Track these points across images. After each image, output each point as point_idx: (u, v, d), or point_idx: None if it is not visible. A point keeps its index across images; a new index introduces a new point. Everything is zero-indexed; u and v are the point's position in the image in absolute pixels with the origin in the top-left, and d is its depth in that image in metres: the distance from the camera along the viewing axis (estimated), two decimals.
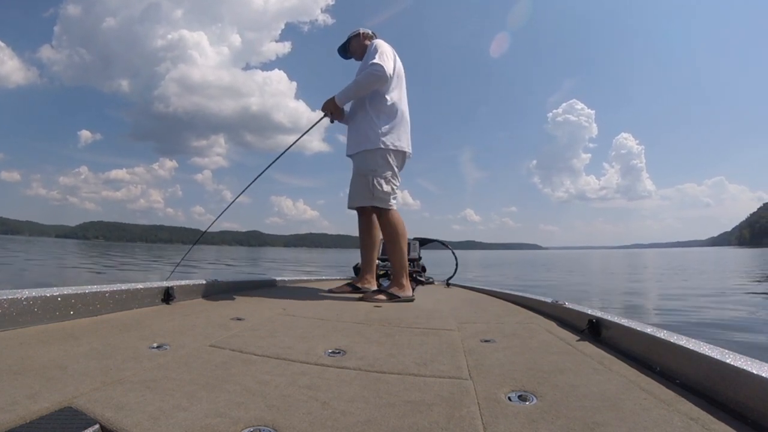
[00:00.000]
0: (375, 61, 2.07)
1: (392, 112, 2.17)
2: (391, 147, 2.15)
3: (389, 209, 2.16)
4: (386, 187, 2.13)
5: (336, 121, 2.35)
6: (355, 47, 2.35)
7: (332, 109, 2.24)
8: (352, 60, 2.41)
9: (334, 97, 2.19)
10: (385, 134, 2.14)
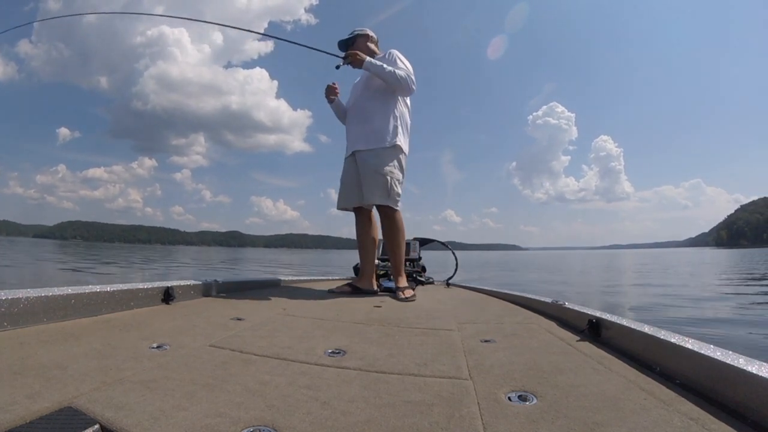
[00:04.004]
0: (413, 84, 2.21)
1: (407, 117, 2.33)
2: (406, 150, 2.29)
3: (397, 210, 2.26)
4: (398, 189, 2.23)
5: (343, 66, 2.27)
6: (361, 47, 2.36)
7: (353, 62, 2.21)
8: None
9: (365, 57, 2.19)
10: (403, 137, 2.27)
